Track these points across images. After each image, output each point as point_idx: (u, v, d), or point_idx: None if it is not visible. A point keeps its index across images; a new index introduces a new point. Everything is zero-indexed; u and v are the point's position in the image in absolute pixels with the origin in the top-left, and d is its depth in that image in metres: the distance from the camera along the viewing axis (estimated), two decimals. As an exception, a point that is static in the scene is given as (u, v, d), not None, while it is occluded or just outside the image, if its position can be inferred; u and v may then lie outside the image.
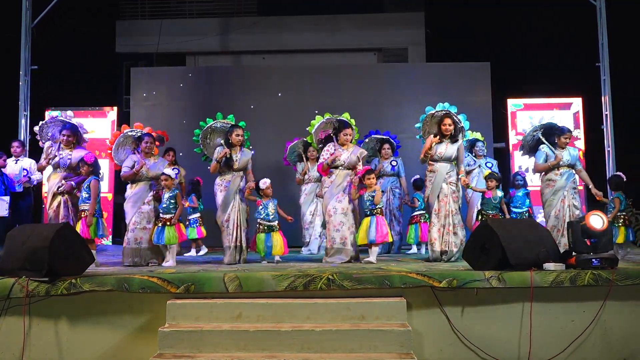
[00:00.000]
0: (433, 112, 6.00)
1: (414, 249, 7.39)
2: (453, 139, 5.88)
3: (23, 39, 8.73)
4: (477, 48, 11.18)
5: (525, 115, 9.14)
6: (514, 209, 6.70)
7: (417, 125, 6.18)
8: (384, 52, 12.07)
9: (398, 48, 11.98)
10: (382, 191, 5.81)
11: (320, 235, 7.48)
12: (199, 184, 7.46)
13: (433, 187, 5.86)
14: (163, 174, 5.82)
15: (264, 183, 5.97)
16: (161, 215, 5.73)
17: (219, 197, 5.92)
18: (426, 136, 6.00)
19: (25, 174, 7.13)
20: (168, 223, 5.66)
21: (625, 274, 4.28)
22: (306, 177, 7.64)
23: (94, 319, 4.32)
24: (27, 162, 7.35)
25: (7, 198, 6.58)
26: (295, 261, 6.20)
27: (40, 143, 6.33)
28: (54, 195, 5.96)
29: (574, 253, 4.45)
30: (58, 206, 5.93)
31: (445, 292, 4.27)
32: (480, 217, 6.24)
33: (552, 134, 6.23)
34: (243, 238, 5.88)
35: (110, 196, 9.15)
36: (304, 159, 7.74)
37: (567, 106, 9.12)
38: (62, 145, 6.06)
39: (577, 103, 9.14)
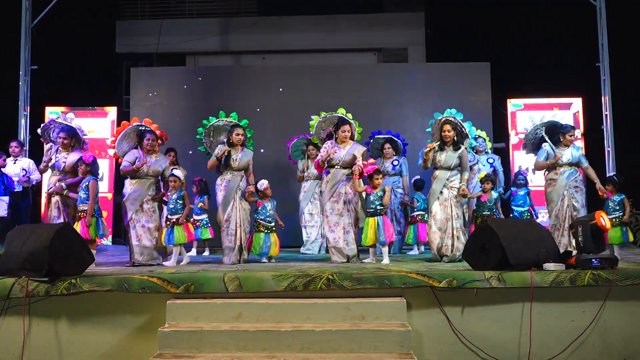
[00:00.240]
0: (439, 118, 5.95)
1: (415, 250, 7.38)
2: (455, 146, 5.83)
3: (23, 39, 8.72)
4: (477, 48, 11.17)
5: (525, 115, 9.11)
6: (516, 208, 6.71)
7: (428, 129, 6.20)
8: (384, 52, 12.06)
9: (398, 48, 11.97)
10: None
11: (322, 236, 7.49)
12: (207, 184, 7.45)
13: (431, 192, 5.91)
14: (172, 174, 5.88)
15: (262, 185, 6.05)
16: (169, 215, 5.79)
17: (219, 197, 5.95)
18: (434, 141, 5.97)
19: (24, 174, 7.13)
20: (177, 224, 5.74)
21: (625, 274, 4.29)
22: (305, 174, 7.67)
23: (94, 319, 4.32)
24: (26, 162, 7.35)
25: (6, 198, 6.59)
26: (295, 261, 6.19)
27: (45, 144, 6.36)
28: (49, 197, 6.03)
29: (583, 254, 4.44)
30: (52, 207, 5.98)
31: (445, 292, 4.27)
32: (475, 219, 6.25)
33: (556, 132, 6.19)
34: (244, 238, 5.89)
35: (110, 196, 9.14)
36: (305, 156, 7.77)
37: (567, 106, 9.12)
38: (59, 148, 6.08)
39: (577, 103, 9.14)
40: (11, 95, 8.90)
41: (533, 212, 6.75)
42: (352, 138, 6.02)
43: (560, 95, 9.28)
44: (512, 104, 9.23)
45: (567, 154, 6.04)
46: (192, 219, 6.86)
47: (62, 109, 9.03)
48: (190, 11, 12.60)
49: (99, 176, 8.84)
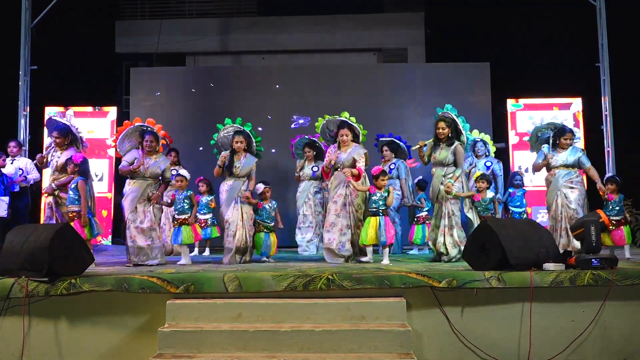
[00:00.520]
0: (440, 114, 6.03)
1: (415, 250, 7.38)
2: (449, 142, 5.85)
3: (22, 39, 8.72)
4: (477, 48, 11.17)
5: (525, 115, 9.13)
6: (514, 209, 6.71)
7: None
8: (383, 52, 12.06)
9: (398, 48, 11.97)
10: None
11: (317, 235, 7.50)
12: (211, 184, 7.45)
13: (431, 190, 5.95)
14: (178, 174, 5.94)
15: (258, 189, 6.10)
16: (177, 215, 5.85)
17: (222, 200, 6.02)
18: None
19: (20, 173, 7.13)
20: (185, 223, 5.79)
21: (625, 274, 4.29)
22: (301, 175, 7.71)
23: (94, 319, 4.32)
24: (23, 162, 7.34)
25: (6, 198, 6.59)
26: (295, 261, 6.19)
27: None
28: (46, 196, 6.07)
29: (590, 253, 4.44)
30: (45, 207, 6.04)
31: (445, 292, 4.27)
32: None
33: (557, 134, 6.23)
34: (245, 239, 5.89)
35: (109, 195, 9.14)
36: (303, 157, 7.79)
37: (567, 106, 9.11)
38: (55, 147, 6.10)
39: (576, 103, 9.14)
40: (11, 95, 8.89)
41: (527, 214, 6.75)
42: (355, 140, 6.05)
43: (560, 96, 9.27)
44: (512, 104, 9.23)
45: (562, 156, 6.03)
46: (198, 219, 6.86)
47: (62, 109, 9.02)
48: (190, 11, 12.60)
49: (98, 176, 8.99)
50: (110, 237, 9.08)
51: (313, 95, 9.53)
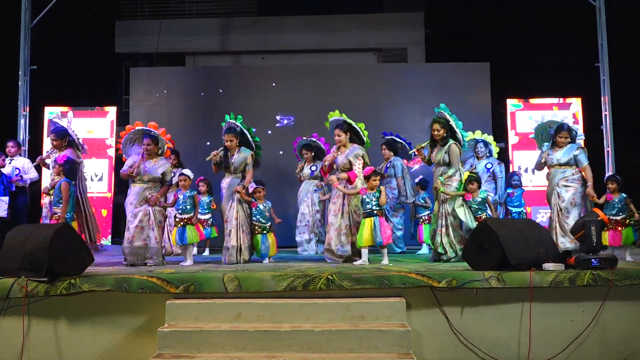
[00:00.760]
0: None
1: (425, 249, 7.33)
2: (444, 142, 5.88)
3: (22, 39, 8.72)
4: (477, 48, 11.17)
5: (525, 115, 9.13)
6: (513, 209, 6.70)
7: None
8: (383, 52, 12.07)
9: (398, 48, 11.98)
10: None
11: (314, 234, 7.51)
12: (211, 184, 7.45)
13: (433, 190, 5.98)
14: (182, 174, 5.93)
15: (251, 187, 6.07)
16: (179, 215, 5.82)
17: (222, 196, 6.05)
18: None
19: (17, 173, 7.13)
20: (189, 223, 5.78)
21: (625, 274, 4.29)
22: (301, 175, 7.72)
23: (93, 319, 4.32)
24: (21, 162, 7.33)
25: (6, 198, 6.60)
26: (294, 261, 6.19)
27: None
28: (44, 196, 6.14)
29: (591, 253, 4.44)
30: (44, 206, 6.09)
31: (444, 292, 4.27)
32: None
33: (555, 132, 6.20)
34: (243, 239, 5.89)
35: (109, 195, 9.15)
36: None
37: (567, 106, 9.11)
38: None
39: (576, 103, 9.14)
40: (10, 95, 8.89)
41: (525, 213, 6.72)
42: (354, 141, 6.01)
43: (560, 95, 9.27)
44: (512, 104, 9.23)
45: (557, 155, 5.99)
46: (198, 219, 6.85)
47: (62, 109, 9.03)
48: (190, 11, 12.61)
49: (97, 176, 8.99)
50: (110, 237, 9.08)
51: (313, 95, 9.53)
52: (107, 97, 11.22)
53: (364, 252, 5.54)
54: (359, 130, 6.05)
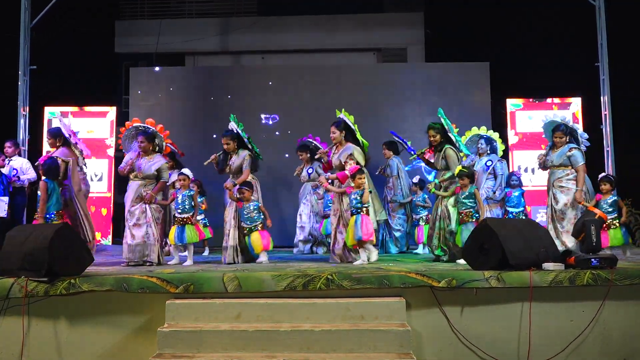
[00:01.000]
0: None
1: (421, 249, 7.33)
2: (440, 147, 5.96)
3: (22, 39, 8.71)
4: (477, 48, 11.16)
5: (525, 115, 9.13)
6: (510, 209, 6.68)
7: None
8: (383, 52, 12.05)
9: (397, 48, 11.96)
10: (370, 191, 5.75)
11: (310, 234, 7.51)
12: (202, 185, 7.46)
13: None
14: (181, 173, 5.93)
15: (235, 189, 6.01)
16: (178, 215, 5.81)
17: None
18: None
19: (15, 173, 7.13)
20: (188, 222, 5.76)
21: (624, 274, 4.29)
22: (301, 177, 7.75)
23: (93, 319, 4.32)
24: (19, 162, 7.33)
25: (6, 199, 6.60)
26: (294, 261, 6.19)
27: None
28: None
29: (591, 253, 4.44)
30: None
31: (444, 292, 4.27)
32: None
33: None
34: (240, 238, 5.89)
35: (109, 194, 9.16)
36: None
37: (567, 106, 9.12)
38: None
39: (576, 103, 9.14)
40: (10, 95, 8.88)
41: (526, 213, 6.68)
42: (349, 139, 5.99)
43: (560, 95, 9.27)
44: (511, 103, 9.23)
45: (553, 156, 5.99)
46: None
47: (61, 108, 9.03)
48: (190, 11, 12.59)
49: (97, 176, 8.98)
50: (110, 237, 9.08)
51: (313, 95, 9.53)
52: (107, 97, 11.21)
53: (361, 251, 5.56)
54: (355, 131, 6.00)
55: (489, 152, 7.26)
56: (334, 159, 6.00)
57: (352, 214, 5.56)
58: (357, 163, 5.84)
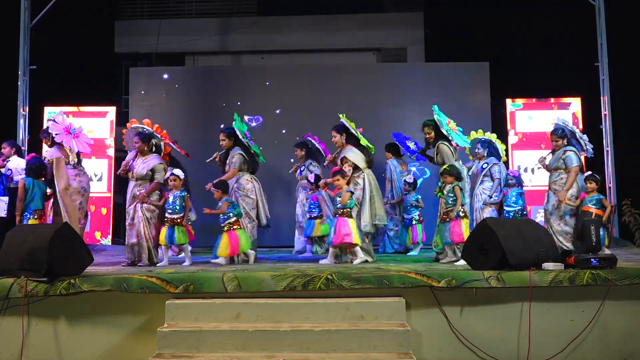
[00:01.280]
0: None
1: (415, 251, 7.31)
2: (434, 143, 6.07)
3: (22, 39, 8.72)
4: (477, 48, 11.16)
5: (525, 115, 9.13)
6: (507, 208, 6.64)
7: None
8: (383, 52, 12.05)
9: (397, 48, 11.96)
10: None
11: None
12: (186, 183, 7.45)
13: None
14: (172, 174, 5.87)
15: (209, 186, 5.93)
16: (169, 215, 5.74)
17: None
18: None
19: (9, 174, 7.13)
20: (178, 223, 5.71)
21: (624, 274, 4.29)
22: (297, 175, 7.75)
23: (93, 319, 4.32)
24: (15, 163, 7.30)
25: (6, 198, 6.59)
26: (294, 261, 6.19)
27: None
28: None
29: (590, 253, 4.44)
30: None
31: (444, 292, 4.27)
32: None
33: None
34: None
35: (109, 194, 9.16)
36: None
37: (566, 106, 9.12)
38: None
39: (576, 103, 9.14)
40: (10, 95, 8.89)
41: (525, 213, 6.64)
42: (349, 141, 5.96)
43: (559, 95, 9.28)
44: (511, 103, 9.23)
45: (551, 160, 6.01)
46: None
47: (61, 109, 9.02)
48: (190, 11, 12.59)
49: (97, 176, 8.98)
50: (109, 236, 9.08)
51: (313, 95, 9.53)
52: (107, 97, 11.22)
53: (358, 251, 5.57)
54: (354, 133, 5.97)
55: (486, 155, 7.20)
56: (338, 160, 6.00)
57: (334, 216, 5.64)
58: (355, 165, 5.81)
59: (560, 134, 5.92)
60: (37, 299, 4.26)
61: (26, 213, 5.80)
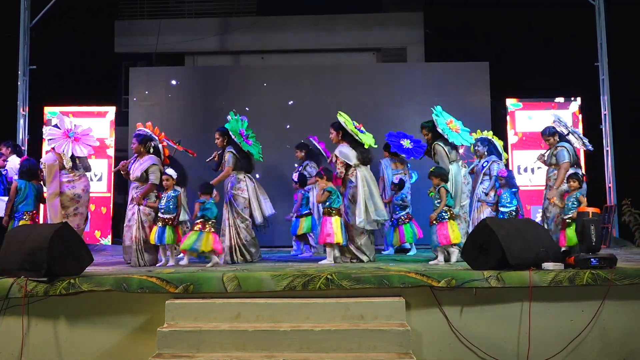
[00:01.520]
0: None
1: (412, 251, 7.30)
2: (432, 144, 6.18)
3: (21, 39, 8.71)
4: (477, 48, 11.17)
5: (524, 114, 9.14)
6: (500, 209, 6.63)
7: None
8: (382, 51, 12.05)
9: (397, 48, 11.96)
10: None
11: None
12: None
13: None
14: (165, 173, 5.80)
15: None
16: (161, 215, 5.68)
17: None
18: None
19: (5, 173, 7.12)
20: (170, 223, 5.65)
21: (624, 274, 4.28)
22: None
23: (93, 319, 4.31)
24: (11, 163, 7.29)
25: (5, 198, 6.58)
26: (294, 261, 6.19)
27: None
28: None
29: (590, 253, 4.44)
30: None
31: (444, 292, 4.27)
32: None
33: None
34: (240, 237, 5.87)
35: (108, 195, 9.16)
36: None
37: (566, 106, 9.12)
38: None
39: (575, 103, 9.14)
40: (10, 95, 8.89)
41: (520, 213, 6.58)
42: (345, 138, 5.92)
43: (559, 95, 9.28)
44: (511, 103, 9.24)
45: (546, 157, 6.19)
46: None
47: (61, 108, 9.02)
48: (189, 11, 12.60)
49: (97, 176, 8.98)
50: (109, 236, 9.08)
51: (312, 94, 9.53)
52: (106, 97, 11.22)
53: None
54: (349, 131, 5.91)
55: (486, 153, 7.19)
56: (333, 158, 5.99)
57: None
58: (346, 163, 5.78)
59: (549, 132, 6.11)
60: (37, 299, 4.26)
61: (17, 214, 5.81)
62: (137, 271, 4.80)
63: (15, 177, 7.04)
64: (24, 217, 5.82)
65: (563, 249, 5.31)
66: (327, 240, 5.53)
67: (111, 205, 9.16)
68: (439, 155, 6.05)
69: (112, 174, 8.96)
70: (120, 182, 8.36)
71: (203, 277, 4.31)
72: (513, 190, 6.42)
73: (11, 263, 4.30)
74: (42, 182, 6.08)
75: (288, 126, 9.31)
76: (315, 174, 5.74)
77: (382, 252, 7.25)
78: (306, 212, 7.07)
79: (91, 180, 8.75)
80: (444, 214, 5.50)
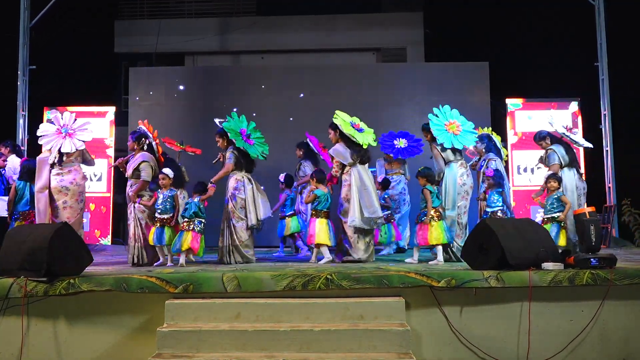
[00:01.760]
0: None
1: (385, 251, 7.26)
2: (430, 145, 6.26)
3: (21, 39, 8.71)
4: (476, 48, 11.18)
5: (524, 114, 9.13)
6: (486, 209, 6.60)
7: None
8: (382, 51, 12.06)
9: (397, 48, 11.97)
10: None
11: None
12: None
13: None
14: (161, 172, 5.77)
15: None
16: (158, 215, 5.66)
17: None
18: None
19: (4, 173, 7.12)
20: (168, 223, 5.64)
21: (624, 274, 4.28)
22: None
23: (93, 319, 4.31)
24: (10, 163, 7.29)
25: (6, 198, 6.58)
26: (294, 261, 6.19)
27: None
28: None
29: (590, 253, 4.45)
30: None
31: (444, 292, 4.26)
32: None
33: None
34: (233, 237, 5.84)
35: (108, 194, 9.16)
36: None
37: (566, 106, 9.12)
38: None
39: (575, 103, 9.14)
40: (9, 95, 8.89)
41: (508, 212, 6.55)
42: (342, 138, 5.91)
43: (559, 95, 9.29)
44: (511, 103, 9.23)
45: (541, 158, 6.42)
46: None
47: (61, 109, 9.02)
48: (189, 11, 12.61)
49: (97, 176, 8.98)
50: (109, 236, 9.07)
51: (312, 95, 9.53)
52: (106, 97, 11.23)
53: (324, 250, 5.67)
54: (343, 129, 5.91)
55: (485, 150, 7.15)
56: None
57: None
58: (341, 162, 5.83)
59: (539, 137, 6.43)
60: (37, 299, 4.26)
61: (14, 214, 5.83)
62: (137, 271, 4.79)
63: (15, 177, 7.04)
64: (19, 217, 5.83)
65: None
66: (312, 240, 5.66)
67: (111, 205, 9.15)
68: (434, 156, 6.16)
69: (112, 169, 8.94)
70: (120, 182, 8.33)
71: (203, 277, 4.31)
72: (499, 189, 6.38)
73: (11, 263, 4.30)
74: None
75: (291, 118, 9.36)
76: (310, 174, 5.78)
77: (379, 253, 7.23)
78: (290, 212, 7.09)
79: (90, 180, 8.80)
80: (422, 216, 5.53)
